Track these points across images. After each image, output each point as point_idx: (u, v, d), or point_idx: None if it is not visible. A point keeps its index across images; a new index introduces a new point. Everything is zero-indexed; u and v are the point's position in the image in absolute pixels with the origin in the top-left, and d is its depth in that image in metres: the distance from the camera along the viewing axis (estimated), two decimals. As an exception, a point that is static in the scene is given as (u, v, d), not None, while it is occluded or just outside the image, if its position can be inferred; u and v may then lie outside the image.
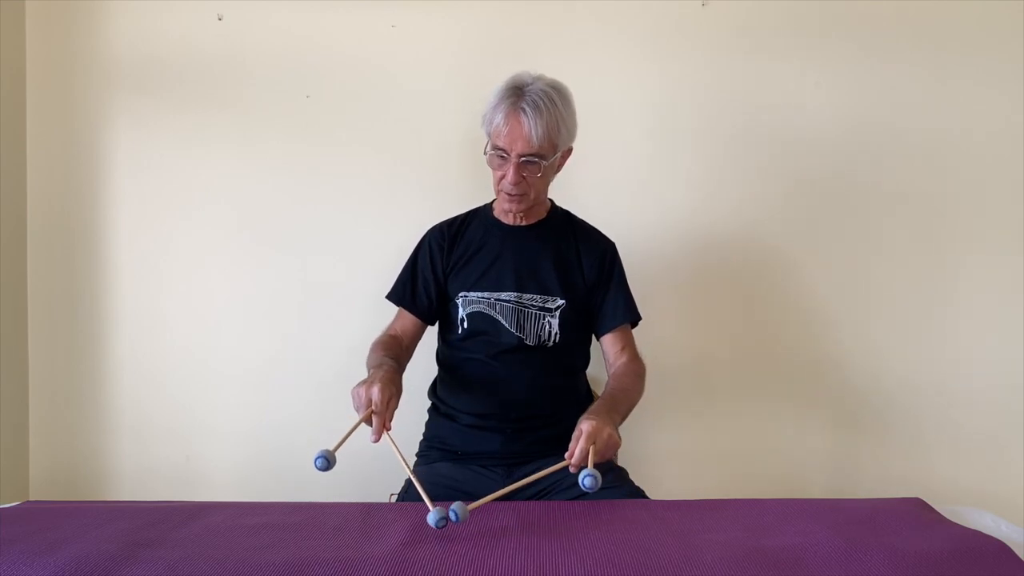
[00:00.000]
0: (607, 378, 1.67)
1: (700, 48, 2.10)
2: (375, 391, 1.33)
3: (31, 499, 2.03)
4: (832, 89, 2.10)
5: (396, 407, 1.37)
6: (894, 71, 2.10)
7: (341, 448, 1.29)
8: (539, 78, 1.55)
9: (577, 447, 1.30)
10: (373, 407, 1.33)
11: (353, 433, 1.31)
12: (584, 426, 1.33)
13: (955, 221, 2.12)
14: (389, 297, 1.73)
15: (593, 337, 1.75)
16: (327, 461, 1.25)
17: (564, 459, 1.33)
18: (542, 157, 1.54)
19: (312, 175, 2.14)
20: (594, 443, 1.31)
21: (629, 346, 1.69)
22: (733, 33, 2.10)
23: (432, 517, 1.16)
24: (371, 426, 1.33)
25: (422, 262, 1.71)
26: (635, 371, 1.63)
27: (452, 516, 1.16)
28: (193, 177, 2.14)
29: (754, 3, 2.09)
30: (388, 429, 1.34)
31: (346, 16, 2.11)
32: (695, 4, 2.09)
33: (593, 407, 1.46)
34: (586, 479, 1.23)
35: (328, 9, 2.10)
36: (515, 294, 1.64)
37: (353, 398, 1.38)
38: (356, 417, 1.34)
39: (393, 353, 1.57)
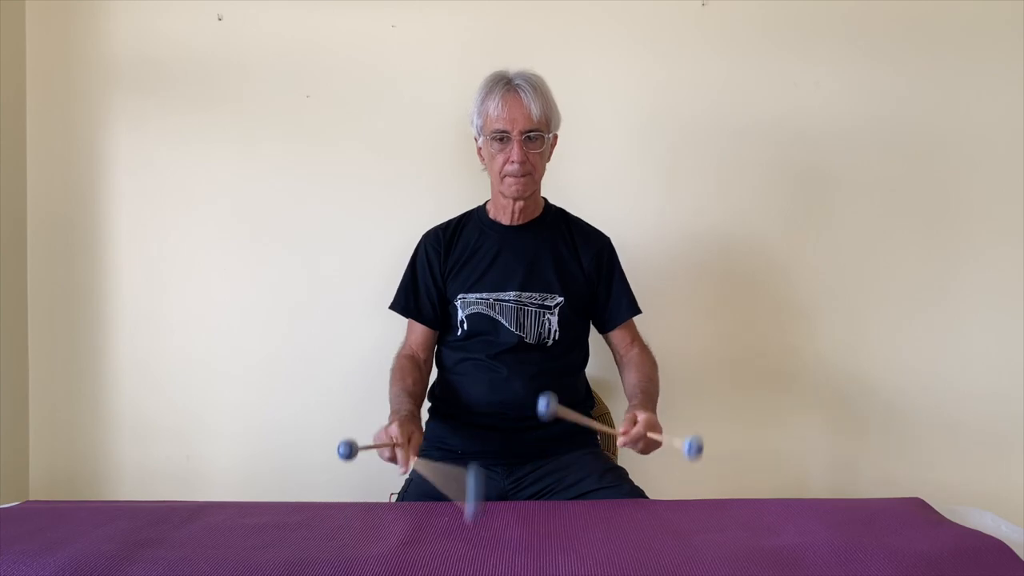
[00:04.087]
0: (621, 368, 1.72)
1: (700, 48, 2.10)
2: (394, 428, 1.36)
3: (31, 499, 2.03)
4: (832, 89, 2.10)
5: (419, 442, 1.39)
6: (894, 71, 2.10)
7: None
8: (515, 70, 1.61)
9: (634, 429, 1.36)
10: (396, 440, 1.34)
11: (375, 450, 1.34)
12: (642, 417, 1.38)
13: (955, 220, 2.12)
14: (393, 307, 1.72)
15: (593, 332, 1.75)
16: (350, 448, 1.22)
17: (619, 433, 1.38)
18: (541, 133, 1.58)
19: (312, 175, 2.14)
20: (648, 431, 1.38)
21: (638, 337, 1.73)
22: (733, 33, 2.10)
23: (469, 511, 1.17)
24: (395, 463, 1.35)
25: (421, 269, 1.71)
26: (652, 360, 1.70)
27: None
28: (193, 177, 2.14)
29: (754, 3, 2.09)
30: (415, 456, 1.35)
31: (346, 16, 2.11)
32: (695, 4, 2.09)
33: (638, 402, 1.51)
34: (691, 445, 1.21)
35: (328, 9, 2.10)
36: (515, 293, 1.64)
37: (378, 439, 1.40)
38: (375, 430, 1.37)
39: (410, 383, 1.59)
